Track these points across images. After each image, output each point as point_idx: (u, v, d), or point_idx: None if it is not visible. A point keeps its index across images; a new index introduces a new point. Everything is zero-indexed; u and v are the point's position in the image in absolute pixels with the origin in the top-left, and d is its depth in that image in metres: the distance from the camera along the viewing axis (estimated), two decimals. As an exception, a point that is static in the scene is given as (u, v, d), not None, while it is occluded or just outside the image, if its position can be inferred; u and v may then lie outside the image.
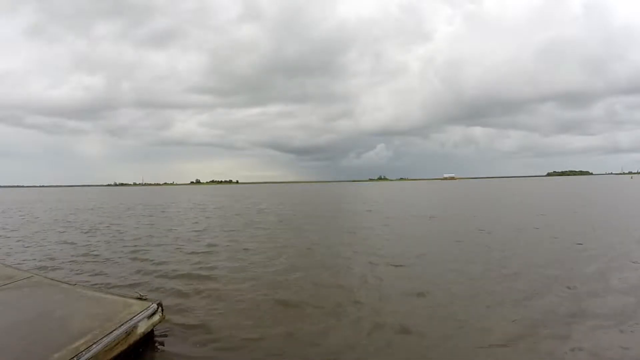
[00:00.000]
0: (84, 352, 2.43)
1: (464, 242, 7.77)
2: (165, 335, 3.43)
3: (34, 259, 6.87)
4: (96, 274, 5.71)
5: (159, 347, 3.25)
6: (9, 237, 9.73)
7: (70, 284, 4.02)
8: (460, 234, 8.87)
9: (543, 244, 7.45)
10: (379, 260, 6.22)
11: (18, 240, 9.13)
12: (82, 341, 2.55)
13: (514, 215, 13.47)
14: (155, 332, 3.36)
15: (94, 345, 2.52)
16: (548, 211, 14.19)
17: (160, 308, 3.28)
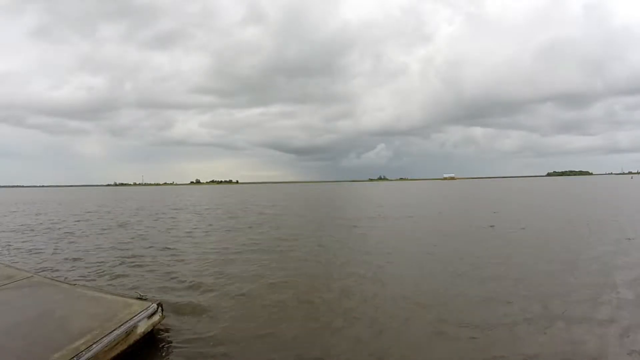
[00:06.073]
0: (84, 352, 2.43)
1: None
2: (165, 335, 3.43)
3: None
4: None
5: (159, 347, 3.24)
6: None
7: (71, 284, 4.02)
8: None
9: None
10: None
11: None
12: (82, 341, 2.55)
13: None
14: (155, 332, 3.36)
15: (94, 345, 2.53)
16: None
17: (160, 308, 3.28)
